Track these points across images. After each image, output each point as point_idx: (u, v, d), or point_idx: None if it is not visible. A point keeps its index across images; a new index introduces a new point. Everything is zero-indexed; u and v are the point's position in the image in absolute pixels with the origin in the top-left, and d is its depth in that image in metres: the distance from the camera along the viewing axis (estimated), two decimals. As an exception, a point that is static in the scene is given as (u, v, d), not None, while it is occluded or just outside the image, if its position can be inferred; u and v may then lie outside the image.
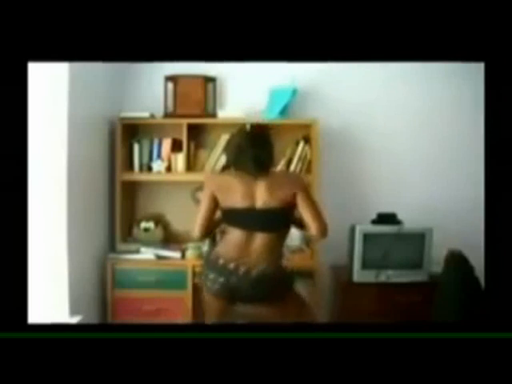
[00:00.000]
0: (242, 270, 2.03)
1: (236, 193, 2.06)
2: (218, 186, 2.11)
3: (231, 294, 2.07)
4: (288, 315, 2.12)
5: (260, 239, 2.06)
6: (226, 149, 2.16)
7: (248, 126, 2.14)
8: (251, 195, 2.05)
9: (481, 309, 2.10)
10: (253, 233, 2.06)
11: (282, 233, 2.13)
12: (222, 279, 2.05)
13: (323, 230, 2.04)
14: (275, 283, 2.07)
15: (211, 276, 2.08)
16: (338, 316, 2.93)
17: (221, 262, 2.06)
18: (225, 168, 2.62)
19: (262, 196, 2.05)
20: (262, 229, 2.05)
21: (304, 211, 2.05)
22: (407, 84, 3.14)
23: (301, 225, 2.14)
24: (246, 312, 2.20)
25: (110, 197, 3.04)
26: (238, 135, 2.14)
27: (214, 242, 2.27)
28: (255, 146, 2.08)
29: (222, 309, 2.14)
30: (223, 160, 2.90)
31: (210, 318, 2.18)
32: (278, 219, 2.08)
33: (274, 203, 2.04)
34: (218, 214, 2.17)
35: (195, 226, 2.13)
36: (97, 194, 2.88)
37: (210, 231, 2.21)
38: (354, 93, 3.14)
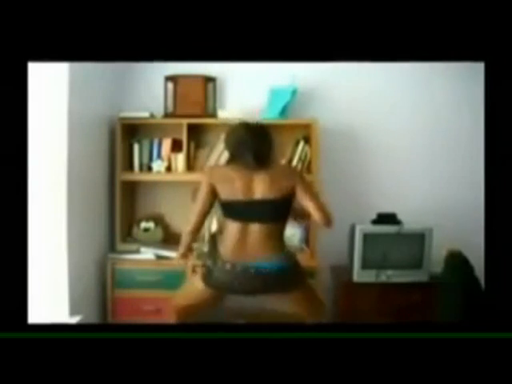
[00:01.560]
0: (239, 267, 2.05)
1: (235, 185, 2.09)
2: (218, 177, 2.14)
3: (230, 289, 2.12)
4: (296, 306, 2.20)
5: (257, 230, 2.08)
6: (226, 142, 2.20)
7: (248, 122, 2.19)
8: (250, 187, 2.09)
9: (481, 309, 2.10)
10: (250, 224, 2.09)
11: (279, 224, 2.16)
12: (222, 278, 2.08)
13: (328, 219, 2.08)
14: (276, 278, 2.08)
15: (212, 273, 2.12)
16: (338, 316, 2.93)
17: (220, 262, 2.10)
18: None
19: (260, 188, 2.08)
20: (260, 220, 2.08)
21: (306, 203, 2.09)
22: (407, 84, 3.14)
23: (301, 216, 2.19)
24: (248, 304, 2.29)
25: (110, 197, 3.04)
26: (238, 128, 2.17)
27: (214, 244, 2.28)
28: (256, 140, 2.12)
29: (215, 299, 2.21)
30: (223, 159, 2.90)
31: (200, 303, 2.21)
32: (277, 210, 2.11)
33: (272, 195, 2.07)
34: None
35: (191, 220, 2.14)
36: (97, 193, 2.88)
37: (200, 228, 2.19)
38: (353, 93, 3.14)
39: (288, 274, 2.11)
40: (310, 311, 2.23)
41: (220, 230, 2.21)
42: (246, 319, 2.75)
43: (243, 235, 2.09)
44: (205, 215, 2.15)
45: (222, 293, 2.17)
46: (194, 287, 2.22)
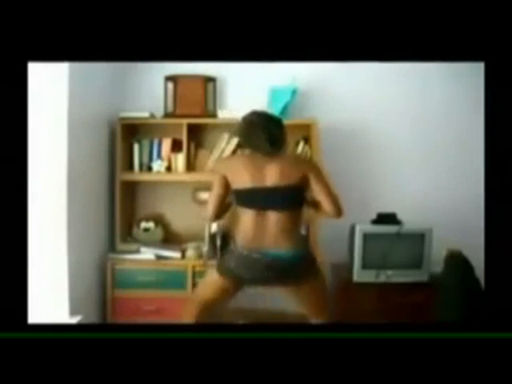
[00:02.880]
0: (256, 255, 2.04)
1: (246, 173, 2.08)
2: (228, 168, 2.13)
3: (245, 277, 2.09)
4: (305, 298, 2.19)
5: (273, 218, 2.07)
6: (240, 129, 2.20)
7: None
8: (262, 175, 2.08)
9: (481, 309, 2.10)
10: (265, 212, 2.07)
11: (295, 212, 2.13)
12: (236, 264, 2.07)
13: (337, 209, 2.11)
14: (292, 266, 2.07)
15: (226, 262, 2.10)
16: (338, 316, 2.93)
17: (235, 247, 2.09)
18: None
19: (272, 175, 2.07)
20: (274, 208, 2.07)
21: (317, 192, 2.10)
22: (408, 84, 3.14)
23: (315, 205, 2.18)
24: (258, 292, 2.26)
25: (110, 197, 3.04)
26: (251, 115, 2.18)
27: (214, 242, 2.27)
28: (269, 125, 2.13)
29: (231, 289, 2.16)
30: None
31: (212, 296, 2.17)
32: (289, 197, 2.10)
33: (284, 182, 2.07)
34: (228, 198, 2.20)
35: (208, 209, 2.14)
36: (97, 193, 2.88)
37: (222, 214, 2.20)
38: (353, 93, 3.14)
39: (302, 264, 2.10)
40: (317, 307, 2.23)
41: (234, 220, 2.18)
42: (252, 320, 2.75)
43: (258, 223, 2.07)
44: (221, 204, 2.14)
45: (237, 282, 2.13)
46: (211, 281, 2.19)
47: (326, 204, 2.09)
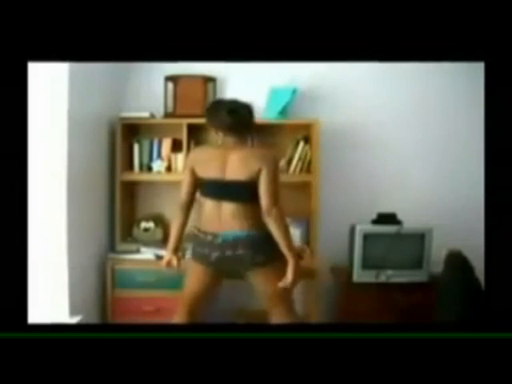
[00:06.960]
0: (210, 237, 2.17)
1: (210, 164, 2.19)
2: (197, 158, 2.26)
3: (210, 259, 2.18)
4: (262, 285, 2.21)
5: (229, 209, 2.16)
6: (205, 113, 2.33)
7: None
8: (223, 167, 2.16)
9: (481, 309, 2.09)
10: (222, 203, 2.17)
11: (251, 205, 2.18)
12: (199, 248, 2.22)
13: (269, 208, 2.11)
14: (247, 245, 2.14)
15: (194, 248, 2.26)
16: (338, 316, 2.93)
17: (196, 233, 2.24)
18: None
19: (231, 168, 2.15)
20: (230, 199, 2.16)
21: (261, 186, 2.13)
22: (407, 84, 3.14)
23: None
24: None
25: (110, 197, 3.04)
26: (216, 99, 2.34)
27: None
28: (233, 102, 2.24)
29: (205, 274, 2.25)
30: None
31: (195, 282, 2.27)
32: (245, 191, 2.16)
33: (241, 176, 2.14)
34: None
35: (180, 196, 2.29)
36: (97, 193, 2.88)
37: (189, 205, 2.30)
38: (354, 93, 3.14)
39: (257, 243, 2.15)
40: (276, 297, 2.21)
41: (198, 209, 2.31)
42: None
43: (216, 211, 2.18)
44: (190, 194, 2.27)
45: (208, 265, 2.21)
46: (191, 272, 2.29)
47: (263, 197, 2.12)
